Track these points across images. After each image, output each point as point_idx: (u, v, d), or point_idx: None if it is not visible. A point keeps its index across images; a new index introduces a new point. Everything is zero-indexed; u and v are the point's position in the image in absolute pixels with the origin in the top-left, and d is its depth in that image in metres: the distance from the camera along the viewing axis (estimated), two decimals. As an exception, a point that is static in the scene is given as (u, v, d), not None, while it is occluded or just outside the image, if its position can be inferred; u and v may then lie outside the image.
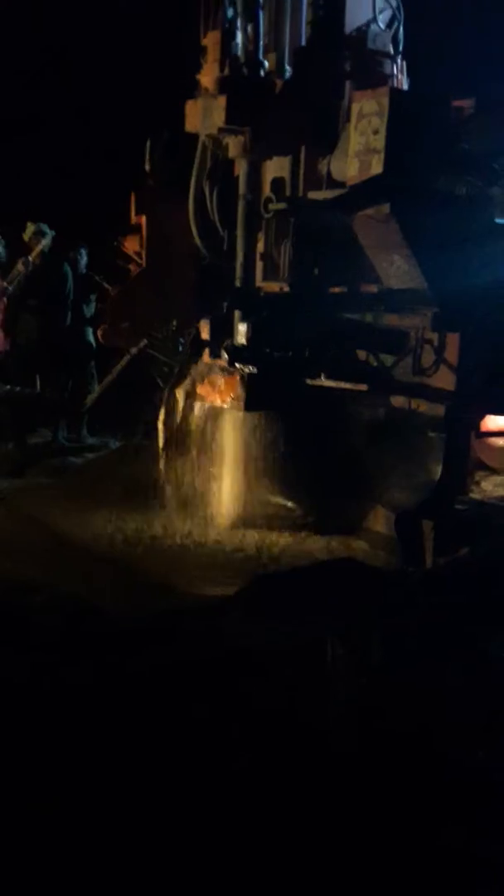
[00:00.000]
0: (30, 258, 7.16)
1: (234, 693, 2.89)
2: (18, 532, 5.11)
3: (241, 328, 4.92)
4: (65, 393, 7.49)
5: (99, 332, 6.22)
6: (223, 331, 5.09)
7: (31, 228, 7.30)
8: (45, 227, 7.29)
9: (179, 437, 5.45)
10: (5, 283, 7.24)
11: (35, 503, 5.72)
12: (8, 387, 7.25)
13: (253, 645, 3.22)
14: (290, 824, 2.32)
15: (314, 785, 2.42)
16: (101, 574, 4.45)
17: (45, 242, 7.15)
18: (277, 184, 4.94)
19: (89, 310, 7.52)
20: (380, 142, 4.24)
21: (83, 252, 7.60)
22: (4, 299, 7.18)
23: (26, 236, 7.24)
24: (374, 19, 5.02)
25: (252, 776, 2.44)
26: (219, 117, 4.84)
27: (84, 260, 7.60)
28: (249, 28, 4.91)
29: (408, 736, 2.59)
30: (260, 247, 5.05)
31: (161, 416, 5.52)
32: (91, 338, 7.39)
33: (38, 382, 7.53)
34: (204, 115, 4.97)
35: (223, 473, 5.34)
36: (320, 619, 3.37)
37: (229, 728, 2.68)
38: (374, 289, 4.67)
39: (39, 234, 7.25)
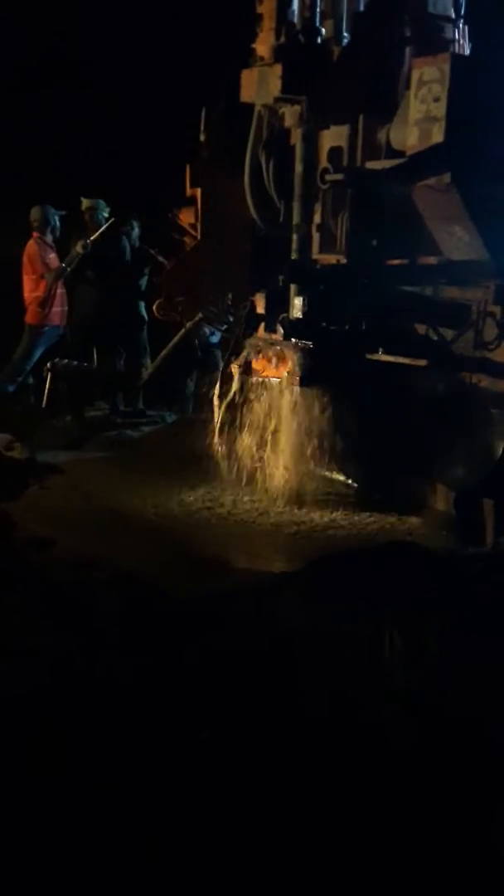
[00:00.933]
0: (89, 241, 7.12)
1: (286, 682, 2.84)
2: (77, 506, 5.12)
3: (297, 301, 4.89)
4: (120, 366, 7.49)
5: (154, 306, 6.20)
6: (279, 304, 5.04)
7: (86, 203, 7.26)
8: (101, 204, 7.25)
9: (235, 412, 5.42)
10: (64, 265, 7.23)
11: (92, 476, 5.74)
12: (66, 361, 7.26)
13: (306, 630, 3.18)
14: (351, 822, 2.27)
15: (372, 780, 2.36)
16: (158, 550, 4.43)
17: (105, 225, 7.11)
18: (335, 153, 4.84)
19: (143, 283, 7.47)
20: (440, 110, 4.13)
21: (135, 224, 7.54)
22: (62, 283, 7.17)
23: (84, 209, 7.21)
24: (435, -19, 4.86)
25: (308, 770, 2.39)
26: (274, 86, 4.78)
27: (136, 232, 7.54)
28: (306, -7, 4.79)
29: (468, 729, 2.51)
30: (316, 218, 4.97)
31: (216, 391, 5.48)
32: (143, 311, 7.35)
33: (95, 356, 7.54)
34: (259, 85, 4.90)
35: (279, 449, 5.29)
36: (377, 605, 3.32)
37: (281, 720, 2.64)
38: (433, 260, 4.58)
39: (94, 209, 7.21)
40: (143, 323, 7.46)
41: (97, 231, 7.18)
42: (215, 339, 7.20)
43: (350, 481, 5.36)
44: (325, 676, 2.89)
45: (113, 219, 7.23)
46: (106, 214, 7.29)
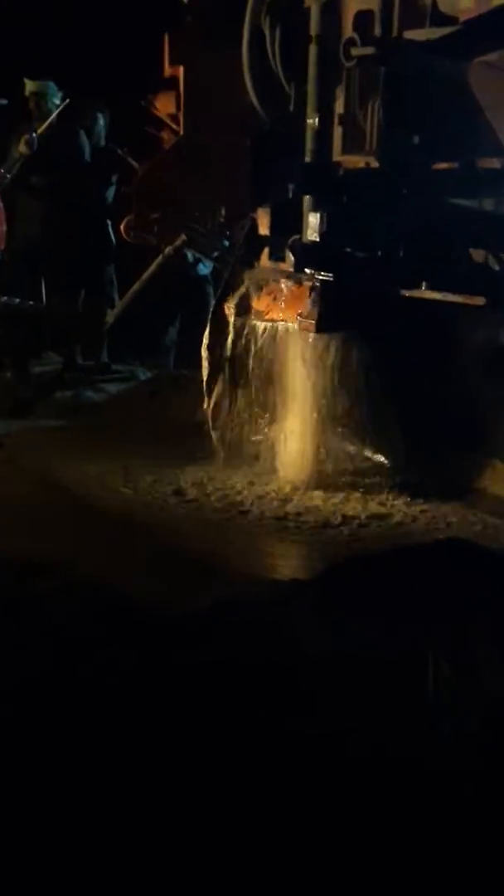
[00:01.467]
0: (34, 134, 7.09)
1: (293, 726, 2.88)
2: (23, 493, 5.17)
3: (313, 219, 4.86)
4: (77, 306, 7.48)
5: (122, 225, 6.19)
6: (288, 223, 5.01)
7: (30, 87, 7.22)
8: (51, 88, 7.21)
9: (230, 368, 5.45)
10: (2, 171, 7.20)
11: (42, 453, 5.81)
12: (4, 298, 7.26)
13: (323, 653, 3.22)
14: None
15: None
16: (131, 550, 4.49)
17: (54, 115, 7.09)
18: (363, 20, 4.82)
19: (110, 194, 7.46)
20: (507, -41, 4.11)
21: (100, 116, 7.51)
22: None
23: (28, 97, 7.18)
24: None
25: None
26: None
27: (101, 125, 7.52)
28: None
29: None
30: (339, 107, 4.95)
31: (205, 340, 5.49)
32: (110, 232, 7.34)
33: (44, 291, 7.54)
34: None
35: (289, 416, 5.33)
36: (416, 620, 3.35)
37: (288, 775, 2.68)
38: (496, 164, 4.58)
39: (42, 95, 7.17)
40: (109, 248, 7.46)
41: (45, 124, 7.15)
42: (205, 270, 7.21)
43: (381, 458, 5.38)
44: (345, 716, 2.91)
45: (67, 103, 7.18)
46: (57, 101, 7.26)
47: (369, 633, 3.33)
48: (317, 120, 4.92)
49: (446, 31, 4.45)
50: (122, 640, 3.43)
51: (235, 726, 2.88)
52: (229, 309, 5.35)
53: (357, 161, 4.95)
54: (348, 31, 4.83)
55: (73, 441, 6.05)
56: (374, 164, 4.87)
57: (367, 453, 5.36)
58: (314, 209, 4.85)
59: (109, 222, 7.33)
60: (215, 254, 6.11)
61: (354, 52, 4.74)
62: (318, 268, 4.86)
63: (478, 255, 4.84)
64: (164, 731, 2.89)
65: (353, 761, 2.72)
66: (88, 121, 7.47)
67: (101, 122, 7.55)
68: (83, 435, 6.16)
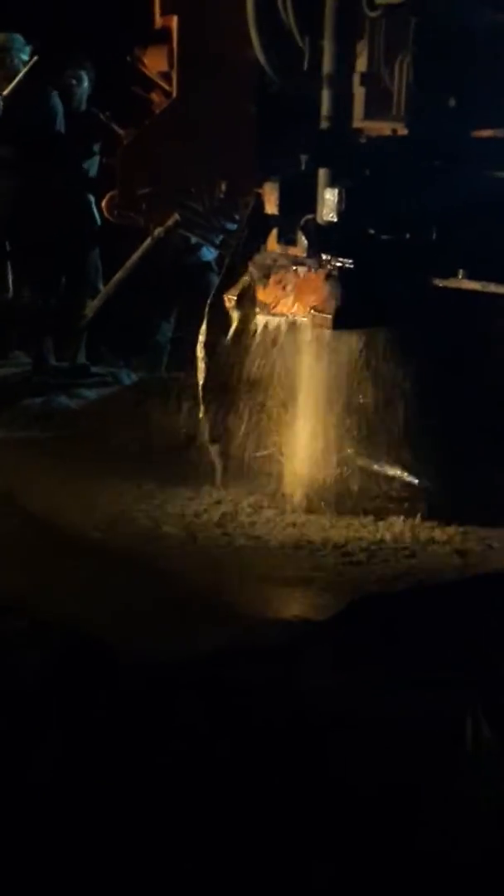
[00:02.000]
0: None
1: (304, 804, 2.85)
2: (-18, 518, 5.17)
3: (330, 196, 4.88)
4: (53, 297, 7.49)
5: (104, 203, 6.19)
6: (300, 200, 5.03)
7: (-5, 40, 7.25)
8: (17, 41, 7.23)
9: (231, 369, 5.43)
10: None
11: (7, 469, 5.79)
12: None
13: (340, 715, 3.19)
14: None
15: None
16: (110, 585, 4.48)
17: (22, 73, 7.10)
18: (390, -38, 4.81)
19: (91, 167, 7.47)
20: None
21: (84, 76, 7.53)
22: None
23: None
24: None
25: None
26: None
27: (85, 87, 7.53)
28: None
29: None
30: (361, 65, 4.98)
31: (202, 336, 5.48)
32: (94, 209, 7.34)
33: (11, 279, 7.55)
34: None
35: (301, 428, 5.31)
36: (454, 674, 3.32)
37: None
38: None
39: (6, 50, 7.19)
40: (92, 228, 7.45)
41: (11, 85, 7.16)
42: (209, 255, 7.20)
43: (411, 477, 5.35)
44: (367, 794, 2.89)
45: (36, 60, 7.18)
46: (26, 57, 7.27)
47: (394, 691, 3.31)
48: (335, 79, 4.93)
49: (488, -26, 4.51)
50: (96, 699, 3.40)
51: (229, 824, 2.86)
52: (230, 301, 5.37)
53: (382, 128, 4.99)
54: (373, -26, 4.86)
55: (44, 456, 6.04)
56: (402, 131, 4.91)
57: (394, 471, 5.32)
58: (331, 184, 4.88)
59: (92, 198, 7.34)
60: (220, 237, 6.10)
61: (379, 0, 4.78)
62: (336, 253, 4.87)
63: (525, 239, 4.84)
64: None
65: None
66: (70, 79, 7.48)
67: (86, 82, 7.57)
68: (56, 449, 6.16)
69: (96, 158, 7.48)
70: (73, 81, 7.53)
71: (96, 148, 7.46)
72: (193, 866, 2.72)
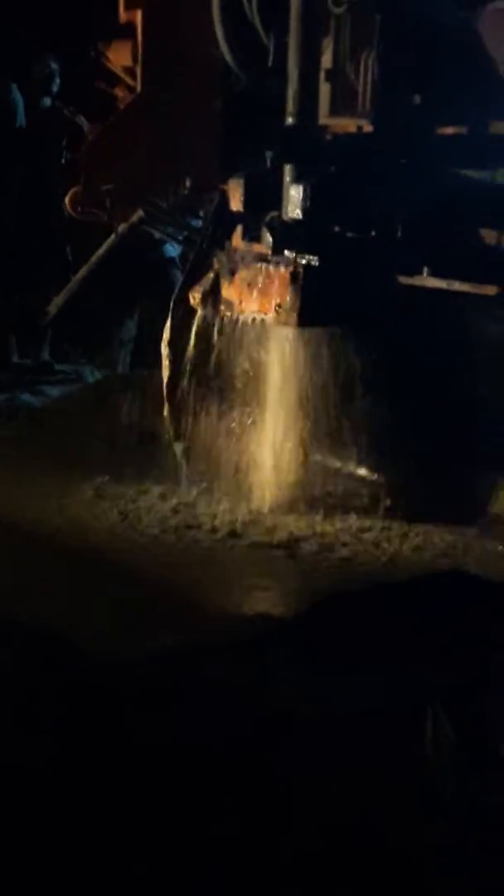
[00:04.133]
0: None
1: (271, 801, 2.88)
2: None
3: (295, 193, 4.88)
4: (14, 294, 7.48)
5: (67, 199, 6.18)
6: (265, 197, 5.03)
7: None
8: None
9: (195, 368, 5.44)
10: None
11: (-30, 467, 5.78)
12: None
13: (306, 713, 3.20)
14: None
15: None
16: (73, 586, 4.48)
17: None
18: (355, -44, 4.83)
19: (57, 162, 7.45)
20: None
21: (54, 67, 7.49)
22: None
23: None
24: None
25: None
26: None
27: (55, 83, 7.52)
28: None
29: None
30: (326, 61, 4.99)
31: (166, 334, 5.49)
32: (61, 205, 7.33)
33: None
34: None
35: (267, 426, 5.32)
36: (414, 670, 3.35)
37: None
38: (511, 129, 4.62)
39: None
40: (59, 224, 7.43)
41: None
42: (172, 252, 7.19)
43: (377, 477, 5.39)
44: (333, 790, 2.91)
45: None
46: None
47: (356, 687, 3.33)
48: (300, 76, 4.92)
49: (453, -30, 4.52)
50: (61, 698, 3.40)
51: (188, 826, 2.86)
52: (195, 298, 5.34)
53: (347, 124, 4.99)
54: (338, -31, 4.88)
55: (6, 455, 6.03)
56: (368, 127, 4.91)
57: (361, 470, 5.35)
58: (296, 181, 4.87)
59: (58, 194, 7.31)
60: (184, 234, 6.10)
61: (345, -6, 4.79)
62: (301, 250, 4.87)
63: (489, 236, 4.86)
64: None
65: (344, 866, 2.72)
66: (42, 71, 7.46)
67: (56, 77, 7.53)
68: (19, 448, 6.14)
69: (62, 153, 7.46)
70: (45, 75, 7.50)
71: (64, 143, 7.43)
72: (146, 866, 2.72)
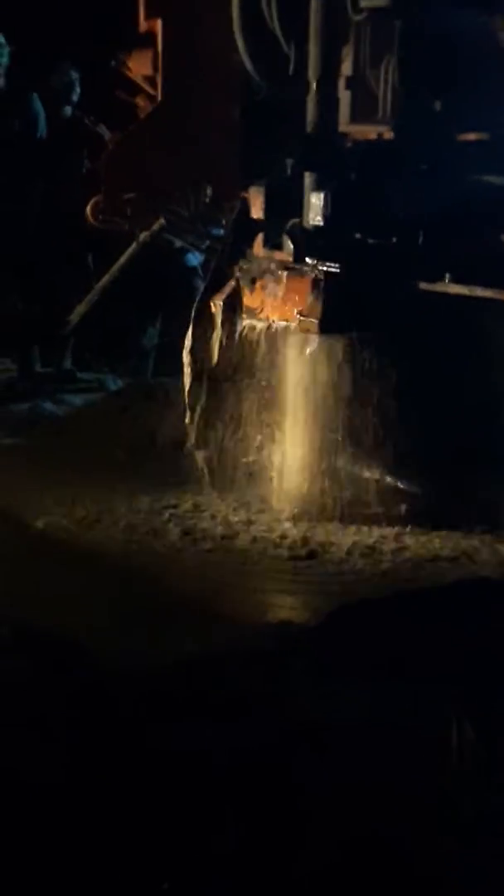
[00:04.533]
0: None
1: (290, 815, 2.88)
2: (-33, 525, 5.16)
3: (316, 200, 4.90)
4: (37, 304, 7.50)
5: (88, 208, 6.20)
6: (286, 205, 5.05)
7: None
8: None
9: (217, 376, 5.44)
10: None
11: (-8, 477, 5.79)
12: None
13: (326, 724, 3.20)
14: None
15: None
16: (90, 594, 4.48)
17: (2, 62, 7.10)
18: (375, -35, 4.84)
19: (77, 172, 7.48)
20: None
21: (74, 77, 7.51)
22: None
23: None
24: None
25: None
26: None
27: (77, 92, 7.53)
28: None
29: None
30: (346, 69, 5.01)
31: (188, 343, 5.49)
32: (79, 216, 7.35)
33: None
34: None
35: (289, 434, 5.31)
36: (435, 680, 3.35)
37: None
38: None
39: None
40: (81, 233, 7.44)
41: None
42: (194, 261, 7.21)
43: (399, 484, 5.35)
44: (351, 801, 2.91)
45: (9, 48, 7.16)
46: (6, 60, 7.25)
47: (375, 698, 3.33)
48: (320, 83, 4.94)
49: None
50: (73, 705, 3.43)
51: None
52: (216, 306, 5.36)
53: (368, 131, 5.01)
54: (358, -22, 4.88)
55: (29, 463, 6.04)
56: (388, 134, 4.93)
57: (382, 478, 5.33)
58: (317, 188, 4.89)
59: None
60: (206, 243, 6.11)
61: (365, 2, 4.79)
62: (322, 257, 4.88)
63: (513, 243, 4.86)
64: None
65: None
66: (60, 81, 7.48)
67: (77, 87, 7.54)
68: (41, 456, 6.14)
69: (83, 163, 7.48)
70: (62, 85, 7.52)
71: (85, 153, 7.45)
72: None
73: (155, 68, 5.81)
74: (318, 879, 2.71)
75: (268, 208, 5.13)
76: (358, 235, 4.93)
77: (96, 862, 2.77)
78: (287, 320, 5.03)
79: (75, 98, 7.62)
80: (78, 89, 7.60)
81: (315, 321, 4.86)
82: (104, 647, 3.85)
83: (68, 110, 7.59)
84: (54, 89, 7.50)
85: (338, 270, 4.85)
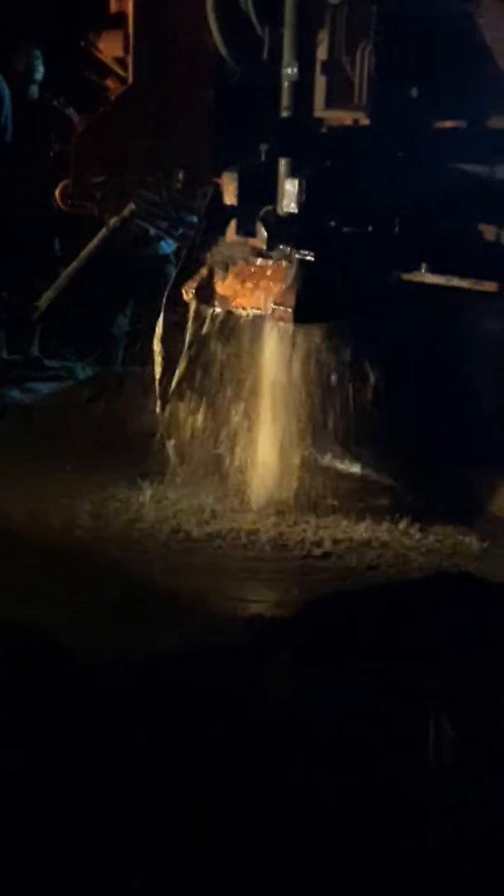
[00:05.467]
0: None
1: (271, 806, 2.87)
2: None
3: (290, 187, 4.89)
4: (4, 289, 7.47)
5: (57, 191, 6.17)
6: (260, 191, 5.04)
7: None
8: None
9: (188, 364, 5.44)
10: None
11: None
12: None
13: (308, 717, 3.20)
14: None
15: None
16: (65, 585, 4.49)
17: None
18: None
19: (44, 155, 7.44)
20: None
21: (37, 57, 7.48)
22: None
23: None
24: None
25: None
26: None
27: (40, 72, 7.50)
28: None
29: None
30: (321, 53, 4.98)
31: (158, 331, 5.48)
32: (46, 199, 7.32)
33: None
34: None
35: (262, 425, 5.33)
36: (416, 673, 3.36)
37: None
38: (511, 123, 4.63)
39: None
40: (47, 217, 7.43)
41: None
42: (167, 248, 7.19)
43: (375, 476, 5.41)
44: (331, 794, 2.92)
45: None
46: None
47: (356, 691, 3.35)
48: (295, 68, 4.92)
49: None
50: (53, 699, 3.42)
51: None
52: (188, 294, 5.34)
53: (343, 117, 4.99)
54: (334, -40, 4.88)
55: (-4, 452, 6.04)
56: (364, 121, 4.91)
57: (358, 470, 5.36)
58: (291, 174, 4.89)
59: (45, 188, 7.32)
60: (180, 231, 6.09)
61: (341, -15, 4.79)
62: (296, 245, 4.88)
63: (488, 231, 4.87)
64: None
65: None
66: (25, 62, 7.44)
67: (41, 67, 7.51)
68: (7, 446, 6.10)
69: (50, 146, 7.45)
70: (29, 65, 7.48)
71: (52, 136, 7.42)
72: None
73: (126, 50, 5.75)
74: (300, 868, 2.72)
75: (241, 194, 5.10)
76: (333, 223, 4.94)
77: (68, 858, 2.78)
78: (260, 309, 5.02)
79: (39, 77, 7.59)
80: (41, 68, 7.57)
81: (289, 310, 4.85)
82: (76, 641, 3.82)
83: (34, 90, 7.55)
84: (17, 70, 7.46)
85: (312, 259, 4.84)
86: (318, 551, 4.92)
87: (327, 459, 5.37)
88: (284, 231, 4.91)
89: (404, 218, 4.86)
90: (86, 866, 2.73)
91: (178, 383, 5.50)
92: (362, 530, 5.09)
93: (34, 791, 2.99)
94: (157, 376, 5.53)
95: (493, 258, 4.80)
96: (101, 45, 5.98)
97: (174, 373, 5.49)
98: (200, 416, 5.47)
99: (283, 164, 4.94)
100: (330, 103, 5.01)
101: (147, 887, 2.66)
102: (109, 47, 5.93)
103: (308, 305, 4.84)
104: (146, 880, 2.68)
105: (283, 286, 4.89)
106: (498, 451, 5.01)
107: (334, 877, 2.68)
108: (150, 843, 2.79)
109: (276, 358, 5.21)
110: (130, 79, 5.80)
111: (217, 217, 5.29)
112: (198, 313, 5.35)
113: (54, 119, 7.35)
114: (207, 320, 5.33)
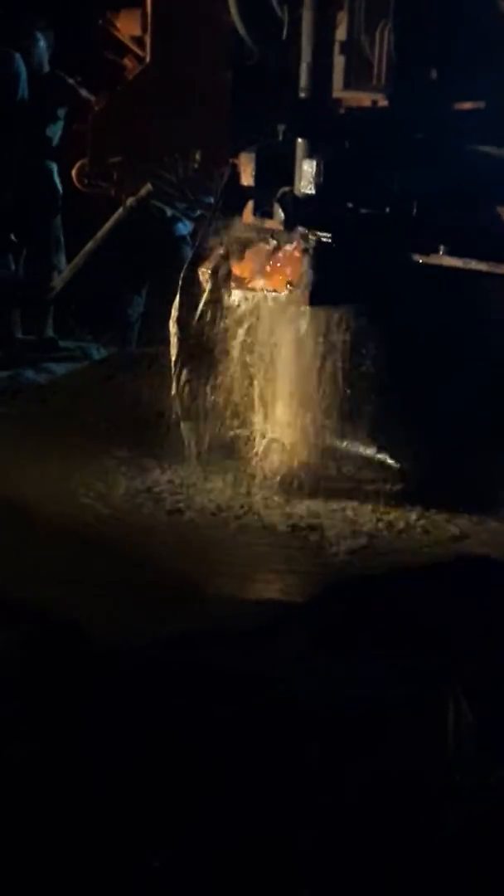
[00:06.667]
0: None
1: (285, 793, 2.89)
2: None
3: (307, 168, 4.88)
4: (17, 269, 7.47)
5: (73, 171, 6.18)
6: (277, 172, 5.03)
7: None
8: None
9: (203, 346, 5.45)
10: None
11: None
12: None
13: (321, 701, 3.22)
14: None
15: None
16: (80, 567, 4.51)
17: None
18: None
19: (55, 133, 7.44)
20: None
21: (40, 36, 7.48)
22: None
23: None
24: None
25: None
26: None
27: (42, 47, 7.49)
28: None
29: None
30: (340, 33, 4.98)
31: (174, 312, 5.49)
32: (56, 179, 7.34)
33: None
34: None
35: (277, 407, 5.35)
36: (434, 658, 3.37)
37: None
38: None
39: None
40: (56, 199, 7.45)
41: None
42: (184, 230, 7.19)
43: (391, 460, 5.39)
44: (344, 780, 2.93)
45: None
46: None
47: (372, 676, 3.36)
48: (314, 48, 4.92)
49: None
50: (64, 680, 3.45)
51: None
52: (204, 275, 5.35)
53: (362, 98, 4.99)
54: None
55: (10, 434, 6.02)
56: (383, 102, 4.91)
57: (374, 453, 5.36)
58: (309, 155, 4.87)
59: (55, 167, 7.34)
60: (197, 212, 6.10)
61: (361, -35, 4.78)
62: (313, 226, 4.87)
63: (508, 215, 4.87)
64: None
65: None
66: (27, 41, 7.43)
67: (42, 43, 7.51)
68: (23, 426, 6.13)
69: (60, 124, 7.45)
70: (34, 43, 7.47)
71: (60, 113, 7.42)
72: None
73: (144, 29, 5.77)
74: (310, 858, 2.73)
75: (258, 175, 5.10)
76: (350, 205, 4.92)
77: (82, 840, 2.80)
78: (276, 290, 5.02)
79: (49, 51, 7.56)
80: (43, 43, 7.52)
81: (305, 292, 4.86)
82: (88, 622, 3.85)
83: (44, 68, 7.54)
84: (28, 48, 7.45)
85: (329, 240, 4.84)
86: (335, 534, 4.91)
87: (344, 442, 5.36)
88: (301, 212, 4.91)
89: (422, 200, 4.84)
90: (97, 845, 2.76)
91: (194, 365, 5.50)
92: (380, 513, 5.09)
93: (47, 770, 3.02)
94: (173, 357, 5.53)
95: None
96: (119, 24, 6.00)
97: (189, 352, 5.49)
98: (215, 398, 5.46)
99: (300, 145, 4.93)
100: (348, 84, 5.01)
101: (159, 869, 2.68)
102: (128, 26, 5.94)
103: (324, 288, 4.84)
104: (158, 861, 2.70)
105: (300, 268, 4.89)
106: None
107: (345, 861, 2.70)
108: (157, 823, 2.82)
109: (291, 340, 5.21)
110: (148, 58, 5.82)
111: (234, 198, 5.29)
112: (213, 295, 5.36)
113: (68, 97, 7.32)
114: (223, 301, 5.33)
